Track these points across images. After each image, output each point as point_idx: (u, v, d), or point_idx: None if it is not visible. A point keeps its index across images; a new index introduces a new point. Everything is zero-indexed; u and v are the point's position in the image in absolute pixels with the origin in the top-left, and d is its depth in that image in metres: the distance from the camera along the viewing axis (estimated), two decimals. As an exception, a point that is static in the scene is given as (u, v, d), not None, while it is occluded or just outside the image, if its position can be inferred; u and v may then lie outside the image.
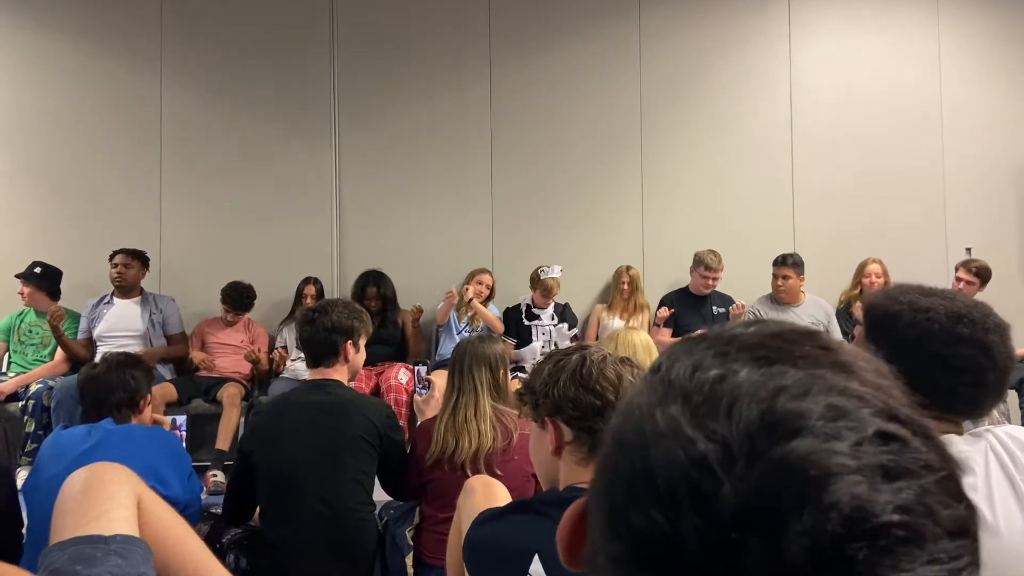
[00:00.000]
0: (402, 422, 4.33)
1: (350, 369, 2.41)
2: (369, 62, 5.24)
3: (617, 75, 5.32)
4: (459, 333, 4.78)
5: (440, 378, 4.15)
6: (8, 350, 4.59)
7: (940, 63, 5.35)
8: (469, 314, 4.80)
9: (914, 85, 5.35)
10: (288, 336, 4.80)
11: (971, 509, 0.40)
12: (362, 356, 2.46)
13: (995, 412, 2.26)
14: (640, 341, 2.57)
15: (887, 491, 0.36)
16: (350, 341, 2.37)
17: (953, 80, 5.36)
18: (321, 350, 2.35)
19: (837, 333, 4.68)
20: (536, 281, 4.77)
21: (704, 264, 4.76)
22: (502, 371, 2.46)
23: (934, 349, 1.23)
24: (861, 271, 4.96)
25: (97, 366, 2.29)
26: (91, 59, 5.10)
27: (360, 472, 2.30)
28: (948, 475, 0.39)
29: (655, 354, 2.47)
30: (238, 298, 4.71)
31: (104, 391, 2.21)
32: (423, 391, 2.69)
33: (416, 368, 2.70)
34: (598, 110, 5.31)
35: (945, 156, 5.31)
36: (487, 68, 5.28)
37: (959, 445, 1.18)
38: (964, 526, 0.38)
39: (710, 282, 4.80)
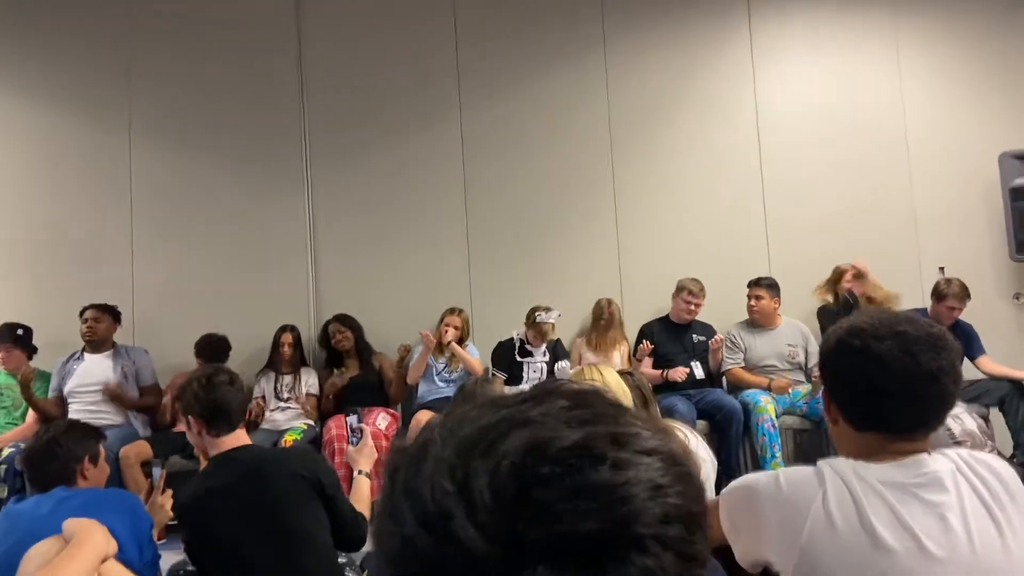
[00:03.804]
0: (382, 469, 4.26)
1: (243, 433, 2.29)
2: (339, 107, 5.26)
3: (586, 108, 5.37)
4: (437, 375, 4.74)
5: (426, 416, 4.15)
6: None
7: (902, 86, 5.43)
8: (447, 355, 4.76)
9: (878, 109, 5.42)
10: (266, 386, 4.76)
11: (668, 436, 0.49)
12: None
13: (977, 431, 2.25)
14: (600, 383, 2.42)
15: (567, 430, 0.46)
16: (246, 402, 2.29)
17: (916, 102, 5.43)
18: (238, 411, 2.22)
19: (816, 356, 4.66)
20: (531, 322, 4.75)
21: (687, 290, 4.78)
22: None
23: (831, 367, 1.28)
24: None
25: (31, 441, 2.27)
26: (59, 117, 5.10)
27: (315, 528, 2.14)
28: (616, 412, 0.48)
29: (617, 394, 2.40)
30: (212, 351, 4.65)
31: (35, 466, 2.20)
32: (355, 440, 2.62)
33: (347, 418, 2.64)
34: (569, 144, 5.34)
35: (913, 177, 5.37)
36: (456, 106, 5.32)
37: (930, 464, 1.20)
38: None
39: (692, 307, 4.80)
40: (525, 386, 4.60)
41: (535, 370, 4.72)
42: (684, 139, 5.39)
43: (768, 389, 4.47)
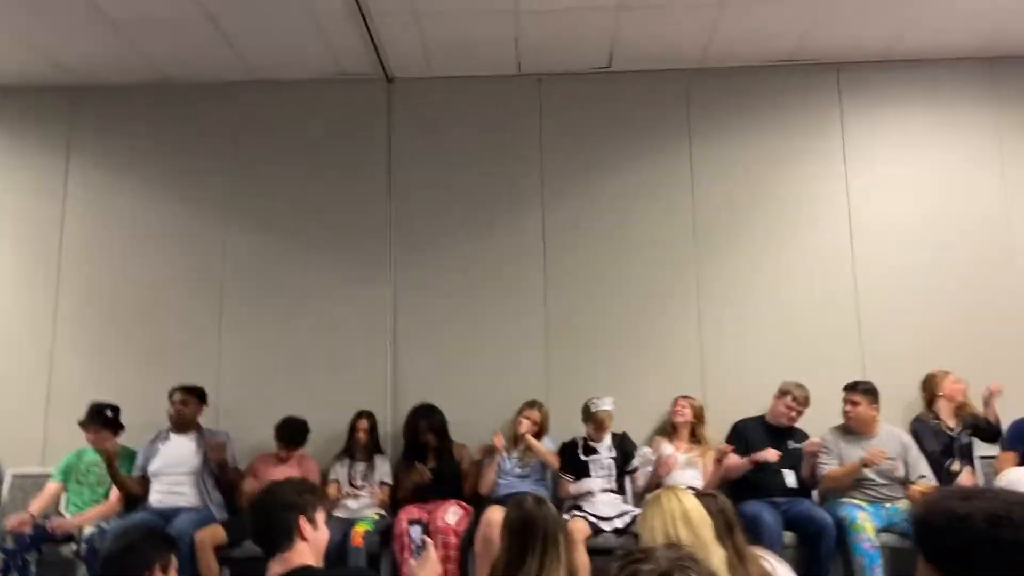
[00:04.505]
0: (451, 566, 4.16)
1: (314, 548, 2.17)
2: (423, 200, 5.40)
3: (670, 201, 5.33)
4: (509, 470, 4.64)
5: (497, 513, 4.03)
6: (66, 490, 4.62)
7: (1006, 185, 5.20)
8: (520, 448, 4.66)
9: (980, 208, 5.18)
10: (340, 472, 4.76)
11: None
12: (324, 533, 2.24)
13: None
14: (679, 511, 2.32)
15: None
16: (303, 516, 2.15)
17: (1021, 197, 5.19)
18: (275, 532, 2.12)
19: (919, 464, 4.34)
20: (587, 415, 4.61)
21: (791, 395, 4.57)
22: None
23: (970, 558, 1.18)
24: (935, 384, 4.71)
25: (109, 544, 2.51)
26: (160, 202, 5.42)
27: None
28: None
29: (697, 522, 2.29)
30: (291, 434, 4.70)
31: (110, 571, 2.40)
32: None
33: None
34: (651, 238, 5.29)
35: (1022, 282, 5.08)
36: (539, 198, 5.36)
37: None
38: None
39: (793, 414, 4.58)
40: (591, 483, 4.47)
41: (601, 467, 4.54)
42: (772, 237, 5.26)
43: (865, 467, 4.19)
